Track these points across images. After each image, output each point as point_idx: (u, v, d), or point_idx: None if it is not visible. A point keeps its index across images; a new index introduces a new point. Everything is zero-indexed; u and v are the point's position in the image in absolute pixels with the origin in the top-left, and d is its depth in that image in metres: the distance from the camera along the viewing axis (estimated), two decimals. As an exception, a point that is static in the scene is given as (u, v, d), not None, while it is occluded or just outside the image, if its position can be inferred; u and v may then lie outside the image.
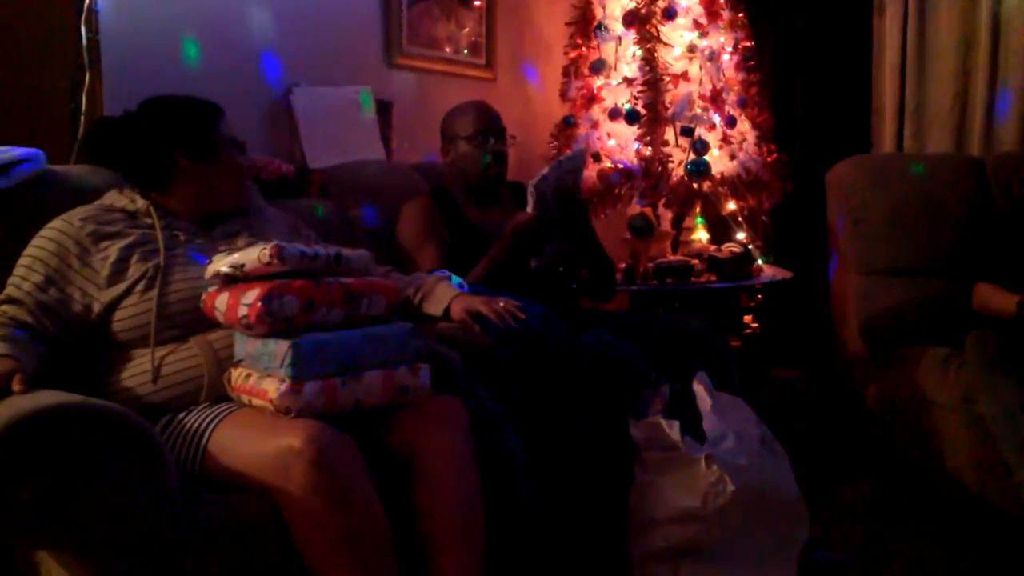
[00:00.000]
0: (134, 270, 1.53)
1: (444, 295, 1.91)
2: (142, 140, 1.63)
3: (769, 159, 3.24)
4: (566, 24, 3.38)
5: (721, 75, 3.17)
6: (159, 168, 1.64)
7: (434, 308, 1.91)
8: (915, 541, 2.16)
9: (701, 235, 3.38)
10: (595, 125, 3.20)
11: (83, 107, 2.07)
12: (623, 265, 3.06)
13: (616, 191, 3.07)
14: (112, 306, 1.52)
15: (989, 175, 2.79)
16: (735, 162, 3.14)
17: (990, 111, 3.31)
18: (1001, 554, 2.07)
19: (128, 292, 1.52)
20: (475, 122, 2.33)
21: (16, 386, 1.25)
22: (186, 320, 1.53)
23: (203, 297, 1.50)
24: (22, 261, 1.53)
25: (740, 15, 3.28)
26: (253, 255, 1.43)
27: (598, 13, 3.25)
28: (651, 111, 3.03)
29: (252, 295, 1.38)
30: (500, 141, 2.33)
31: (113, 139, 1.64)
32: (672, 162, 3.02)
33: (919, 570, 2.03)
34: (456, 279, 2.02)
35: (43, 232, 1.55)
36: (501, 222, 2.31)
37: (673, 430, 1.72)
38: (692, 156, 3.02)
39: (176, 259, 1.57)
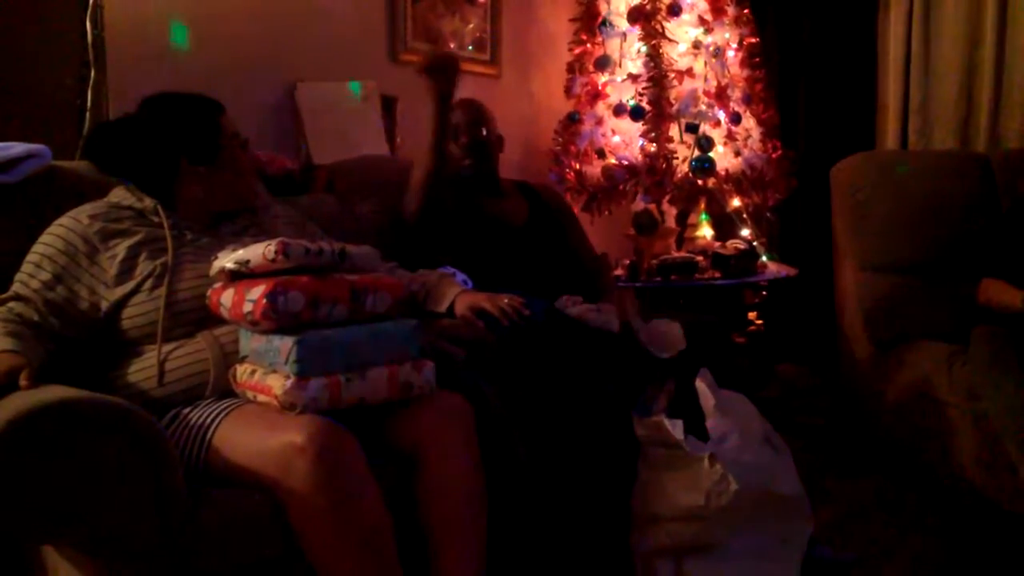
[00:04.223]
0: (142, 268, 1.53)
1: (448, 292, 1.92)
2: (144, 146, 1.62)
3: (774, 156, 3.24)
4: (571, 20, 3.39)
5: (726, 71, 3.17)
6: (163, 173, 1.63)
7: (438, 305, 1.91)
8: (918, 538, 2.16)
9: (705, 232, 3.38)
10: (599, 121, 3.21)
11: (89, 103, 2.08)
12: (627, 261, 3.06)
13: (620, 187, 3.08)
14: (120, 304, 1.52)
15: (994, 171, 2.79)
16: (740, 159, 3.14)
17: (995, 107, 3.30)
18: (1005, 552, 2.07)
19: (136, 290, 1.52)
20: (449, 116, 2.36)
21: (23, 381, 1.26)
22: (194, 317, 1.53)
23: (208, 293, 1.51)
24: (30, 258, 1.53)
25: (745, 11, 3.28)
26: (258, 251, 1.43)
27: (603, 9, 3.25)
28: (656, 107, 3.03)
29: (257, 291, 1.38)
30: (473, 134, 2.33)
31: (115, 145, 1.64)
32: (677, 158, 3.02)
33: (922, 567, 2.03)
34: (461, 276, 2.02)
35: (51, 229, 1.56)
36: (510, 212, 2.33)
37: (676, 429, 1.72)
38: (697, 153, 3.02)
39: (184, 257, 1.57)
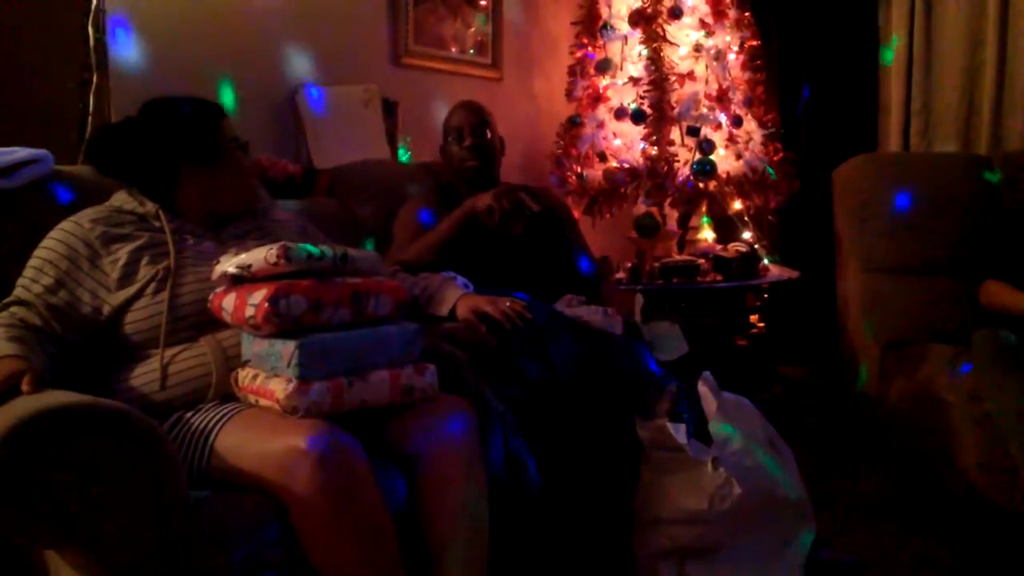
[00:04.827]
0: (144, 272, 1.54)
1: (450, 295, 1.92)
2: (145, 148, 1.62)
3: (775, 158, 3.23)
4: (572, 23, 3.39)
5: (727, 74, 3.17)
6: (164, 175, 1.64)
7: (440, 308, 1.92)
8: (921, 540, 2.16)
9: (707, 235, 3.38)
10: (601, 125, 3.21)
11: (91, 108, 2.08)
12: (629, 264, 3.06)
13: (622, 191, 3.08)
14: (122, 308, 1.52)
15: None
16: (741, 161, 3.14)
17: (997, 109, 3.30)
18: (1007, 554, 2.06)
19: (139, 295, 1.52)
20: (452, 118, 2.36)
21: (25, 386, 1.26)
22: (196, 321, 1.53)
23: (210, 297, 1.51)
24: (32, 263, 1.53)
25: (746, 14, 3.29)
26: (260, 255, 1.43)
27: (604, 12, 3.26)
28: (657, 110, 3.03)
29: (259, 295, 1.38)
30: (477, 136, 2.32)
31: (116, 148, 1.64)
32: (678, 161, 3.03)
33: (925, 570, 2.02)
34: (462, 279, 2.02)
35: (53, 234, 1.56)
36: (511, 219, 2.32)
37: (679, 433, 1.72)
38: (698, 155, 3.02)
39: (186, 261, 1.57)
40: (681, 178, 3.02)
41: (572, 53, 3.34)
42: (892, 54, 3.54)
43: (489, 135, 2.34)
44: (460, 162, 2.32)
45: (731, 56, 3.22)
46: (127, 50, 2.23)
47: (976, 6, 3.32)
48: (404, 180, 2.55)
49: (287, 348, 1.37)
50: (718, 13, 3.17)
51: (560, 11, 3.58)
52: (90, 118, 2.08)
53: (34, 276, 1.52)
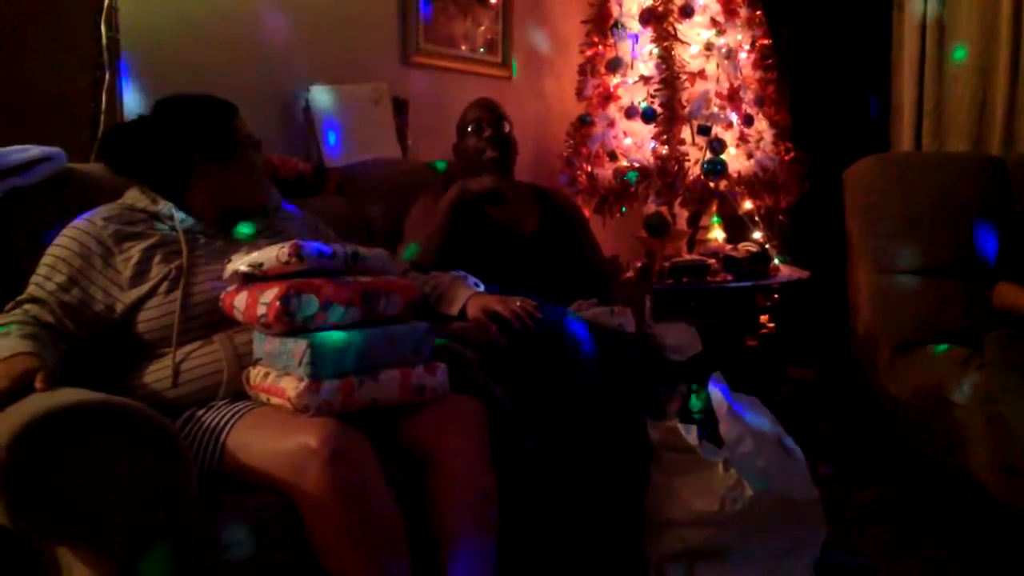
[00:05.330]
0: (156, 271, 1.54)
1: (461, 295, 1.93)
2: (158, 145, 1.63)
3: (786, 158, 3.22)
4: (582, 22, 3.38)
5: (738, 73, 3.16)
6: (176, 172, 1.64)
7: (451, 307, 1.92)
8: (932, 543, 2.15)
9: (717, 234, 3.37)
10: (611, 124, 3.20)
11: (103, 106, 2.09)
12: (639, 264, 3.06)
13: (632, 190, 3.07)
14: (135, 307, 1.53)
15: (1009, 173, 2.77)
16: (752, 161, 3.13)
17: (1010, 109, 3.27)
18: (1018, 557, 2.05)
19: (151, 293, 1.53)
20: (469, 113, 2.38)
21: (38, 384, 1.27)
22: (209, 320, 1.53)
23: (222, 296, 1.51)
24: (45, 260, 1.54)
25: (757, 13, 3.27)
26: (272, 254, 1.44)
27: (615, 11, 3.24)
28: (668, 109, 3.02)
29: (270, 294, 1.38)
30: (496, 128, 2.34)
31: (128, 145, 1.65)
32: (688, 161, 3.01)
33: (934, 572, 2.02)
34: (472, 278, 2.02)
35: (66, 231, 1.56)
36: (521, 218, 2.32)
37: (690, 434, 1.72)
38: (709, 155, 3.01)
39: (198, 260, 1.58)
40: (691, 177, 3.01)
41: (582, 52, 3.33)
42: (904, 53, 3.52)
43: (507, 128, 2.36)
44: (479, 154, 2.32)
45: (742, 55, 3.21)
46: (139, 49, 2.23)
47: (989, 5, 3.30)
48: (414, 179, 2.55)
49: (298, 347, 1.37)
50: (729, 12, 3.15)
51: (570, 10, 3.57)
52: (102, 116, 2.09)
53: (47, 274, 1.52)
